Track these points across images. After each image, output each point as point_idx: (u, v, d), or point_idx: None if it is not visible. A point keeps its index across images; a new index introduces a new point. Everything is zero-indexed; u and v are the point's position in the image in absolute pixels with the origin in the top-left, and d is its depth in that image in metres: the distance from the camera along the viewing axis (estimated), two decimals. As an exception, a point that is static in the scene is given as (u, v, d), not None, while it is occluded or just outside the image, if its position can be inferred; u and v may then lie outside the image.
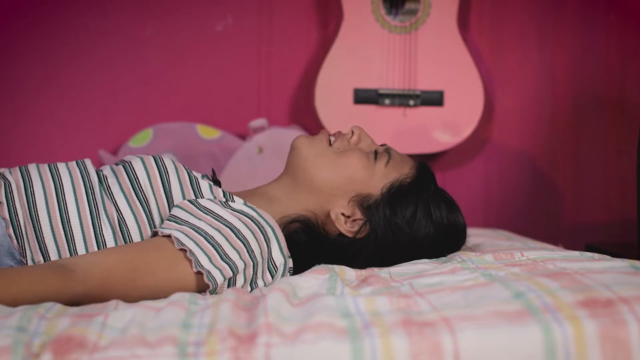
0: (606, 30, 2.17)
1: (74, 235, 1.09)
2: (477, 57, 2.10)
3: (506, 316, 0.81)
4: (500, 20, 2.15)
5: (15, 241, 1.07)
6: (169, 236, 1.05)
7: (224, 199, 1.16)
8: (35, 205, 1.09)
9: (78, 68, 2.06)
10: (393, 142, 1.86)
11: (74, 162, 1.18)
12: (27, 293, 0.91)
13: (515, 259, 1.11)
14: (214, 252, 1.04)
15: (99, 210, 1.11)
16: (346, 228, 1.19)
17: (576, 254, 1.12)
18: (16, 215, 1.08)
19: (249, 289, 1.09)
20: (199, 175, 1.20)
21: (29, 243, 1.08)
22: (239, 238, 1.07)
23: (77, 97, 2.07)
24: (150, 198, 1.14)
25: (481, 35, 2.14)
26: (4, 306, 0.86)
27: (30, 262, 1.07)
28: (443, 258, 1.18)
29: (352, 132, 1.25)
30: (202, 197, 1.16)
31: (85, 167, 1.16)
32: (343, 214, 1.19)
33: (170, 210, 1.13)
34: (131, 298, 0.97)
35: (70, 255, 1.08)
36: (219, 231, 1.06)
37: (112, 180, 1.15)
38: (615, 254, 1.23)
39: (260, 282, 1.10)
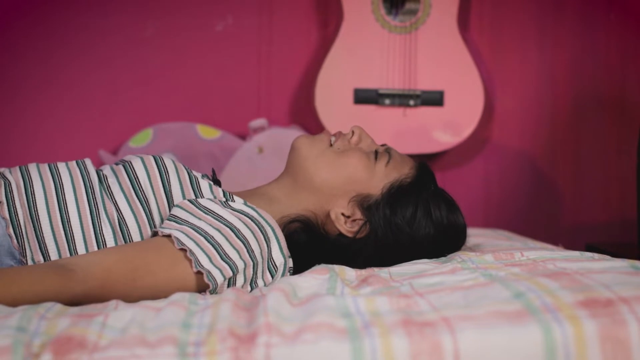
0: (606, 30, 2.17)
1: (74, 235, 1.09)
2: (477, 57, 2.10)
3: (506, 316, 0.81)
4: (500, 20, 2.15)
5: (15, 241, 1.07)
6: (169, 236, 1.05)
7: (224, 199, 1.16)
8: (36, 205, 1.09)
9: (78, 68, 2.06)
10: (393, 142, 1.86)
11: (74, 162, 1.18)
12: (27, 293, 0.90)
13: (515, 259, 1.11)
14: (214, 251, 1.04)
15: (99, 210, 1.11)
16: (346, 228, 1.19)
17: (576, 254, 1.12)
18: (16, 214, 1.08)
19: (249, 288, 1.09)
20: (199, 175, 1.20)
21: (29, 243, 1.08)
22: (239, 238, 1.07)
23: (77, 97, 2.07)
24: (150, 198, 1.14)
25: (481, 35, 2.14)
26: (4, 306, 0.86)
27: (30, 262, 1.07)
28: (443, 258, 1.18)
29: (353, 132, 1.25)
30: (202, 196, 1.16)
31: (85, 167, 1.16)
32: (343, 214, 1.19)
33: (170, 210, 1.13)
34: (131, 298, 0.97)
35: (70, 255, 1.08)
36: (219, 231, 1.06)
37: (112, 180, 1.15)
38: (615, 254, 1.23)
39: (260, 282, 1.10)
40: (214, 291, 1.03)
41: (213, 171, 1.31)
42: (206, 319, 0.83)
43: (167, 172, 1.16)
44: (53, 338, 0.77)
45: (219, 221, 1.08)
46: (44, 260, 1.07)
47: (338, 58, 2.01)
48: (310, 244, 1.18)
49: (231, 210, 1.11)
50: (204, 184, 1.18)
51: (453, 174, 2.16)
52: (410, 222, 1.18)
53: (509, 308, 0.82)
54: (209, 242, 1.04)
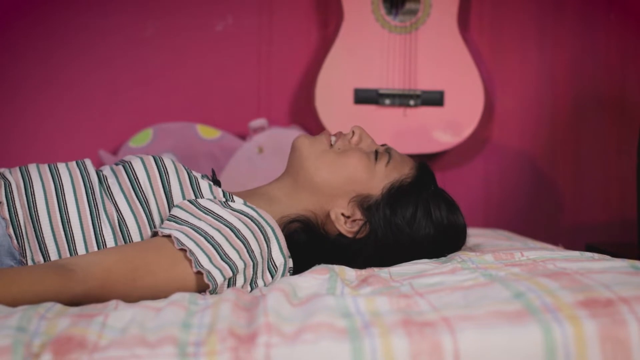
0: (606, 30, 2.17)
1: (74, 235, 1.09)
2: (477, 57, 2.10)
3: (506, 316, 0.81)
4: (500, 20, 2.15)
5: (15, 241, 1.07)
6: (169, 236, 1.05)
7: (223, 199, 1.16)
8: (36, 205, 1.09)
9: (78, 68, 2.06)
10: (393, 142, 1.86)
11: (74, 162, 1.18)
12: (27, 293, 0.90)
13: (515, 259, 1.11)
14: (214, 252, 1.04)
15: (99, 210, 1.11)
16: (346, 228, 1.19)
17: (576, 254, 1.12)
18: (16, 215, 1.08)
19: (249, 289, 1.09)
20: (198, 175, 1.20)
21: (29, 243, 1.08)
22: (238, 238, 1.07)
23: (77, 97, 2.07)
24: (150, 198, 1.14)
25: (481, 35, 2.14)
26: (4, 306, 0.86)
27: (30, 262, 1.07)
28: (443, 258, 1.18)
29: (353, 132, 1.25)
30: (202, 197, 1.16)
31: (85, 167, 1.16)
32: (343, 214, 1.19)
33: (170, 210, 1.13)
34: (131, 298, 0.97)
35: (70, 255, 1.08)
36: (219, 231, 1.06)
37: (112, 181, 1.15)
38: (615, 254, 1.23)
39: (260, 282, 1.10)
40: (214, 291, 1.03)
41: (213, 171, 1.31)
42: (206, 319, 0.83)
43: (166, 172, 1.16)
44: (53, 338, 0.77)
45: (219, 221, 1.08)
46: (44, 260, 1.07)
47: (338, 58, 2.01)
48: (310, 244, 1.18)
49: (231, 211, 1.11)
50: (204, 184, 1.18)
51: (453, 174, 2.16)
52: (411, 222, 1.18)
53: (509, 308, 0.82)
54: (208, 242, 1.04)
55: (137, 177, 1.15)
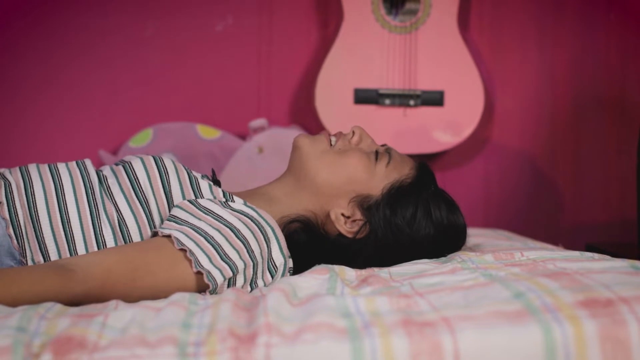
0: (606, 30, 2.17)
1: (74, 235, 1.09)
2: (477, 57, 2.10)
3: (506, 316, 0.81)
4: (500, 20, 2.15)
5: (15, 241, 1.07)
6: (168, 236, 1.05)
7: (223, 199, 1.16)
8: (36, 205, 1.09)
9: (78, 68, 2.06)
10: (393, 142, 1.86)
11: (74, 162, 1.18)
12: (27, 293, 0.90)
13: (515, 259, 1.11)
14: (214, 252, 1.04)
15: (99, 211, 1.11)
16: (346, 228, 1.19)
17: (576, 254, 1.12)
18: (16, 215, 1.08)
19: (249, 289, 1.09)
20: (198, 175, 1.20)
21: (29, 243, 1.08)
22: (238, 238, 1.07)
23: (77, 97, 2.07)
24: (150, 198, 1.14)
25: (481, 35, 2.14)
26: (4, 306, 0.86)
27: (30, 262, 1.07)
28: (443, 258, 1.18)
29: (353, 132, 1.25)
30: (202, 197, 1.16)
31: (85, 167, 1.16)
32: (343, 215, 1.19)
33: (170, 211, 1.13)
34: (131, 298, 0.97)
35: (70, 255, 1.08)
36: (219, 231, 1.06)
37: (112, 181, 1.15)
38: (615, 254, 1.23)
39: (260, 282, 1.10)
40: (214, 291, 1.03)
41: (213, 171, 1.31)
42: (206, 319, 0.83)
43: (166, 172, 1.16)
44: (53, 338, 0.77)
45: (219, 221, 1.08)
46: (44, 260, 1.07)
47: (338, 58, 2.01)
48: (310, 244, 1.18)
49: (231, 211, 1.11)
50: (204, 185, 1.18)
51: (453, 174, 2.16)
52: (411, 222, 1.18)
53: (509, 308, 0.82)
54: (208, 242, 1.04)
55: (137, 177, 1.15)
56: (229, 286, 1.05)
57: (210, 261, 1.03)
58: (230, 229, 1.07)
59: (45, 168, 1.15)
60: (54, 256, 1.08)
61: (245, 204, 1.14)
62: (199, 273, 1.02)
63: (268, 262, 1.11)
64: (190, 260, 1.03)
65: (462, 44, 2.01)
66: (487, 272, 1.00)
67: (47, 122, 2.05)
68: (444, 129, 2.02)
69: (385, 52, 2.00)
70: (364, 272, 1.10)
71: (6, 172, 1.14)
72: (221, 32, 2.10)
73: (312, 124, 2.08)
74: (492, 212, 2.18)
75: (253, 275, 1.08)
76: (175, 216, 1.09)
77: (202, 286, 1.03)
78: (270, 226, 1.12)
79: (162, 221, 1.13)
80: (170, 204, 1.14)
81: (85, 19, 2.05)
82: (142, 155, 1.19)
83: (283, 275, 1.13)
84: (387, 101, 1.99)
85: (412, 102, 2.00)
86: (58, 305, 0.88)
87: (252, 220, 1.11)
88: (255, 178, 1.90)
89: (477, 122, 2.03)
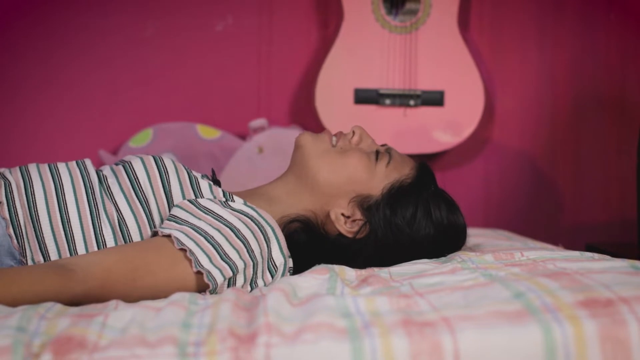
0: (606, 30, 2.17)
1: (74, 235, 1.09)
2: (477, 57, 2.10)
3: (506, 316, 0.81)
4: (500, 20, 2.15)
5: (15, 241, 1.07)
6: (169, 236, 1.05)
7: (223, 199, 1.16)
8: (36, 205, 1.09)
9: (78, 68, 2.06)
10: (393, 142, 1.86)
11: (74, 162, 1.18)
12: (27, 293, 0.90)
13: (515, 259, 1.11)
14: (214, 251, 1.04)
15: (99, 210, 1.11)
16: (346, 228, 1.19)
17: (576, 254, 1.12)
18: (16, 215, 1.08)
19: (249, 288, 1.09)
20: (198, 175, 1.20)
21: (29, 243, 1.08)
22: (238, 238, 1.07)
23: (77, 97, 2.07)
24: (150, 198, 1.14)
25: (481, 35, 2.14)
26: (4, 306, 0.86)
27: (30, 262, 1.07)
28: (443, 258, 1.18)
29: (353, 132, 1.25)
30: (202, 197, 1.16)
31: (85, 167, 1.16)
32: (343, 215, 1.19)
33: (170, 210, 1.13)
34: (131, 298, 0.97)
35: (70, 255, 1.08)
36: (219, 231, 1.06)
37: (112, 181, 1.15)
38: (615, 254, 1.23)
39: (260, 282, 1.10)
40: (214, 291, 1.03)
41: (213, 171, 1.31)
42: (206, 319, 0.83)
43: (166, 172, 1.16)
44: (53, 338, 0.77)
45: (219, 221, 1.08)
46: (44, 260, 1.07)
47: (338, 58, 2.01)
48: (310, 244, 1.18)
49: (231, 210, 1.11)
50: (204, 184, 1.18)
51: (453, 174, 2.16)
52: (411, 222, 1.18)
53: (509, 308, 0.82)
54: (208, 242, 1.04)
55: (137, 177, 1.15)
56: (229, 286, 1.05)
57: (210, 261, 1.03)
58: (230, 228, 1.07)
59: (45, 168, 1.15)
60: (54, 256, 1.08)
61: (245, 204, 1.15)
62: (199, 273, 1.02)
63: (268, 261, 1.11)
64: (190, 260, 1.03)
65: (462, 44, 2.01)
66: (487, 272, 1.00)
67: (47, 122, 2.05)
68: (444, 129, 2.02)
69: (386, 52, 2.00)
70: (364, 272, 1.10)
71: (6, 172, 1.14)
72: (221, 32, 2.10)
73: (312, 124, 2.07)
74: (492, 212, 2.18)
75: (253, 275, 1.08)
76: (175, 216, 1.09)
77: (202, 286, 1.03)
78: (270, 226, 1.12)
79: (162, 221, 1.13)
80: (170, 204, 1.14)
81: (85, 19, 2.06)
82: (142, 155, 1.19)
83: (283, 275, 1.13)
84: (387, 101, 1.99)
85: (412, 102, 2.00)
86: (58, 305, 0.88)
87: (252, 220, 1.11)
88: (255, 178, 1.90)
89: (477, 122, 2.03)
